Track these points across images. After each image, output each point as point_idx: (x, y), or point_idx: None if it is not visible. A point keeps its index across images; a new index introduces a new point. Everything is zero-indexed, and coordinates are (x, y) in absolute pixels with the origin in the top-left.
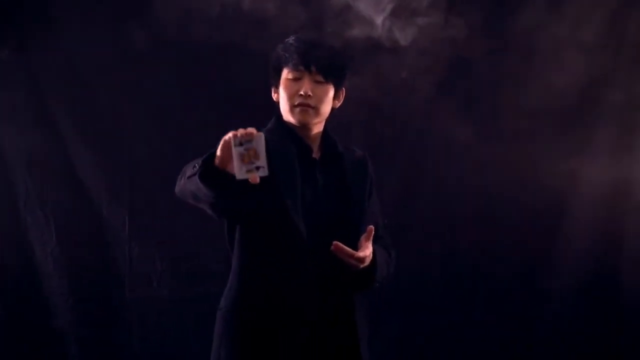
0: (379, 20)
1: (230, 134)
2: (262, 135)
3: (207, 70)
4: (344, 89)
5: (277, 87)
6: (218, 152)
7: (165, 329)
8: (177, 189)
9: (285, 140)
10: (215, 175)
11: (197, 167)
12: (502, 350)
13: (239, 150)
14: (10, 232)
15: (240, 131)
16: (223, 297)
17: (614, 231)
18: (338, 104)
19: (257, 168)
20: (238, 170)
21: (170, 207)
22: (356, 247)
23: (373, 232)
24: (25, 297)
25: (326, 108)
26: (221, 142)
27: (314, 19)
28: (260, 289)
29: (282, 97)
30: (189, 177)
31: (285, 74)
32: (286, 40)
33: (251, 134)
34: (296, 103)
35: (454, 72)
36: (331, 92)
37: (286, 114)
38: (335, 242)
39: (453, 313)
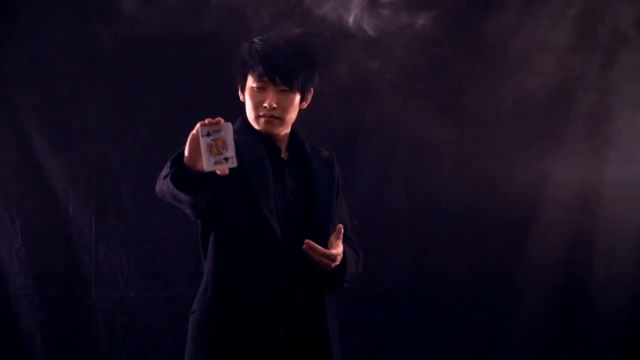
0: (351, 12)
1: (197, 125)
2: (230, 124)
3: (175, 67)
4: (312, 89)
5: (242, 90)
6: (186, 150)
7: (132, 330)
8: (157, 189)
9: (255, 140)
10: (186, 176)
11: (169, 167)
12: (474, 348)
13: (207, 140)
14: None
15: (208, 120)
16: (197, 301)
17: (586, 231)
18: (305, 105)
19: (226, 159)
20: (206, 162)
21: (137, 207)
22: (325, 247)
23: (342, 231)
24: None
25: (292, 116)
26: (189, 137)
27: (283, 9)
28: (236, 290)
29: (247, 104)
30: (164, 177)
31: (250, 81)
32: (252, 41)
33: (219, 122)
34: (261, 114)
35: (428, 71)
36: (297, 99)
37: (251, 121)
38: (307, 241)
39: (424, 311)
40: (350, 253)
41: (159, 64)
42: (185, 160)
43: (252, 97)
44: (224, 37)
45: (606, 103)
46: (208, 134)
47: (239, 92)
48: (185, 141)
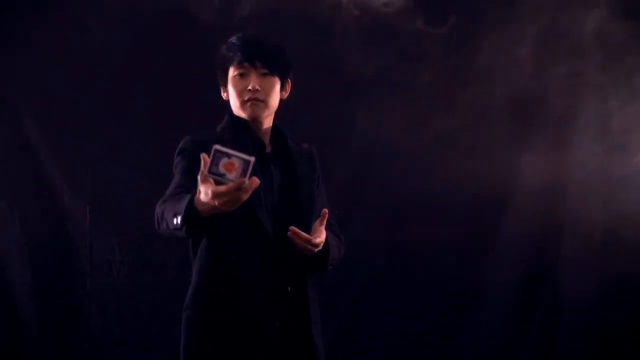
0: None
1: (202, 166)
2: (214, 147)
3: (166, 63)
4: (289, 80)
5: (225, 86)
6: (209, 194)
7: (124, 316)
8: (159, 230)
9: (241, 136)
10: (200, 221)
11: (179, 222)
12: (444, 338)
13: (220, 170)
14: None
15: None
16: (188, 297)
17: (553, 223)
18: (285, 95)
19: (247, 161)
20: (237, 179)
21: (130, 198)
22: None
23: (326, 216)
24: None
25: (275, 100)
26: (204, 184)
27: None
28: (228, 287)
29: (231, 95)
30: (174, 229)
31: (232, 72)
32: (228, 40)
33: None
34: (246, 98)
35: (402, 70)
36: (278, 85)
37: (237, 110)
38: (291, 228)
39: (397, 304)
40: (332, 238)
41: (151, 57)
42: (203, 205)
43: (235, 85)
44: (217, 31)
45: (570, 104)
46: (214, 168)
47: (222, 92)
48: (173, 132)
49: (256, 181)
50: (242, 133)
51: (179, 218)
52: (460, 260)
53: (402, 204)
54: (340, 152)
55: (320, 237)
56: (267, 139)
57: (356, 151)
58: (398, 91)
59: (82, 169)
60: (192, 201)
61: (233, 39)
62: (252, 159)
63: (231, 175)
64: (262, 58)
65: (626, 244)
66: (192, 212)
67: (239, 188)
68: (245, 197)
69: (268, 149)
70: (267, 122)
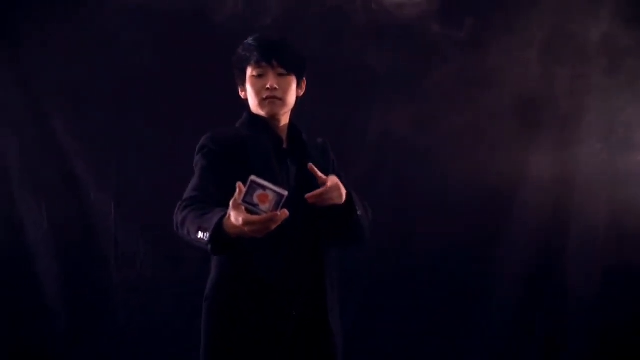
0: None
1: (236, 195)
2: (250, 179)
3: (189, 55)
4: (305, 79)
5: (243, 85)
6: (242, 220)
7: (148, 307)
8: (177, 234)
9: (259, 133)
10: (227, 240)
11: (204, 238)
12: (444, 338)
13: (254, 200)
14: (5, 216)
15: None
16: (208, 288)
17: (559, 221)
18: (301, 93)
19: (279, 194)
20: (269, 210)
21: (153, 193)
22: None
23: (314, 167)
24: (19, 276)
25: (292, 98)
26: (236, 210)
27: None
28: (246, 280)
29: (250, 94)
30: (197, 242)
31: (250, 72)
32: (245, 42)
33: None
34: (264, 96)
35: (415, 70)
36: (294, 83)
37: (255, 108)
38: (306, 196)
39: (397, 303)
40: (355, 194)
41: (176, 58)
42: (232, 228)
43: (254, 85)
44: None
45: (575, 107)
46: (249, 197)
47: (240, 92)
48: (197, 129)
49: (286, 213)
50: (260, 130)
51: (207, 235)
52: (464, 259)
53: (411, 201)
54: (354, 149)
55: (328, 183)
56: (284, 136)
57: (369, 149)
58: (410, 90)
59: (108, 166)
60: (221, 222)
61: (250, 40)
62: (286, 193)
63: (264, 207)
64: (279, 58)
65: (631, 242)
66: (220, 232)
67: (270, 219)
68: (274, 227)
69: (285, 145)
70: (285, 119)
